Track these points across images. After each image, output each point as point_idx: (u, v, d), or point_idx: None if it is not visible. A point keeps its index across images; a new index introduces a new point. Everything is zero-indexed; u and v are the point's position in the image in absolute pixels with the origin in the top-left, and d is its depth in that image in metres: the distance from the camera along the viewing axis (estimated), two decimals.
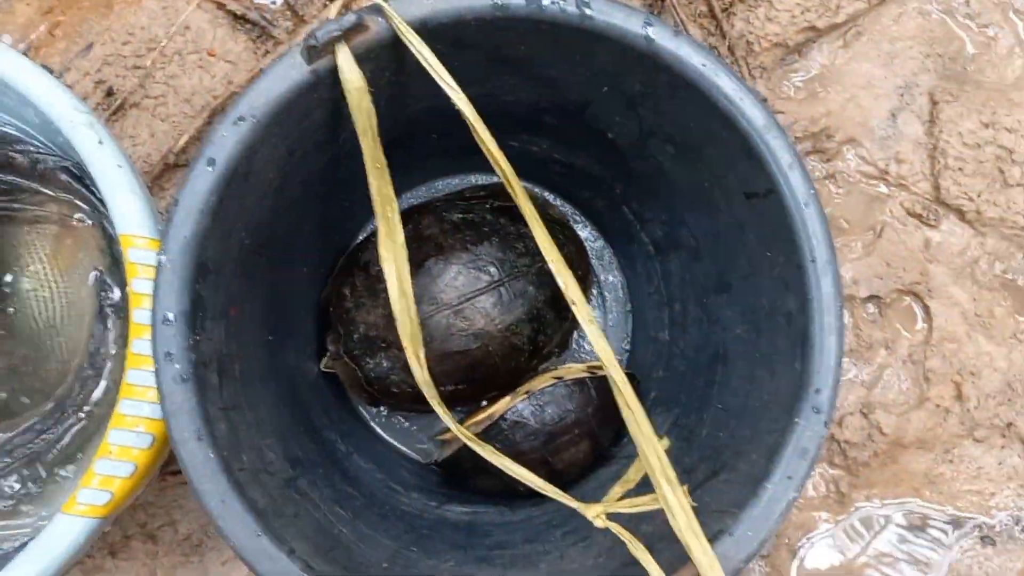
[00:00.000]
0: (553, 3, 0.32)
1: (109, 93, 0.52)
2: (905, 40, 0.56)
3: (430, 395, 0.36)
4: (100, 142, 0.37)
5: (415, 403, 0.46)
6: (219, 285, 0.32)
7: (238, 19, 0.53)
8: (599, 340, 0.34)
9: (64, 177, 0.41)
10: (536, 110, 0.41)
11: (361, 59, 0.32)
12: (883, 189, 0.54)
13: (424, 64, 0.32)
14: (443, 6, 0.32)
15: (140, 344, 0.36)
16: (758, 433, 0.33)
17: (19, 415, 0.41)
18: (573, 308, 0.34)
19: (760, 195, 0.34)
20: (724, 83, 0.33)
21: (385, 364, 0.43)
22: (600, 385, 0.43)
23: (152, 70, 0.52)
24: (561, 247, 0.47)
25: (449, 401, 0.46)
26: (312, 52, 0.31)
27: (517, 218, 0.46)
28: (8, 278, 0.42)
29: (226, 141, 0.30)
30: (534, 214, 0.35)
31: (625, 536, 0.32)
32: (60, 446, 0.41)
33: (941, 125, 0.54)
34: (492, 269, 0.43)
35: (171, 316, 0.30)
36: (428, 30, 0.32)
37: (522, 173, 0.50)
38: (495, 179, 0.49)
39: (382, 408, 0.48)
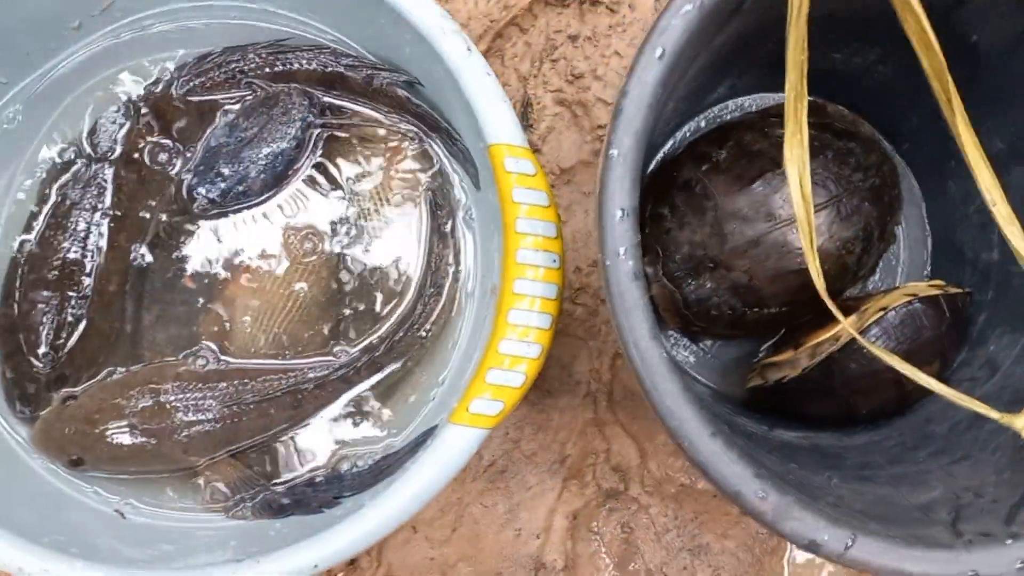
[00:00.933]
0: None
1: None
2: None
3: (833, 306, 0.34)
4: (468, 50, 0.37)
5: (729, 328, 0.44)
6: (644, 184, 0.31)
7: None
8: None
9: (401, 92, 0.41)
10: (888, 15, 0.39)
11: None
12: None
13: None
14: None
15: (524, 254, 0.35)
16: None
17: (363, 332, 0.41)
18: (995, 208, 0.33)
19: None
20: None
21: (709, 285, 0.42)
22: (952, 304, 0.41)
23: None
24: (878, 166, 0.45)
25: (768, 325, 0.45)
26: None
27: (840, 134, 0.44)
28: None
29: (674, 30, 0.29)
30: (969, 130, 0.33)
31: None
32: (403, 360, 0.41)
33: None
34: (830, 184, 0.41)
35: (623, 212, 0.29)
36: None
37: (825, 91, 0.48)
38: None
39: (673, 335, 0.48)
